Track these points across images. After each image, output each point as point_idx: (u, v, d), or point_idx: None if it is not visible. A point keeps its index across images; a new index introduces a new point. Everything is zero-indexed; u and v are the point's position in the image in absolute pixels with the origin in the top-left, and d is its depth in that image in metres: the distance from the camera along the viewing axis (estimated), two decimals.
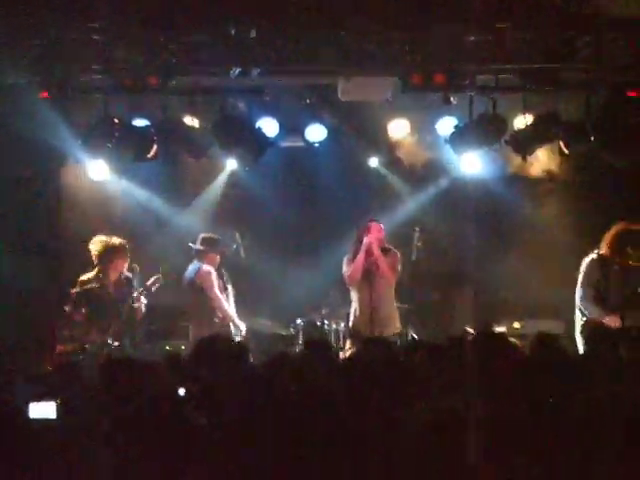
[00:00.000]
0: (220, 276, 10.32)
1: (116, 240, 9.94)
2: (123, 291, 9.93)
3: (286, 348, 10.52)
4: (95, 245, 9.90)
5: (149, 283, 9.94)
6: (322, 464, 4.07)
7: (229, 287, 10.39)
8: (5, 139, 10.20)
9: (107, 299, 9.85)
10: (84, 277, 9.90)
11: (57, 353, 9.94)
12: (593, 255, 9.58)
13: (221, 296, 10.19)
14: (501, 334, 7.02)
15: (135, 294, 9.84)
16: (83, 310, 9.69)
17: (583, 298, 9.53)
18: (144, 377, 5.32)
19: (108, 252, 9.87)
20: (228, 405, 4.62)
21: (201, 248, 10.27)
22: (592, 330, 8.27)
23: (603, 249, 9.54)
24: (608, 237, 9.56)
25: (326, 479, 4.07)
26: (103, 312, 9.75)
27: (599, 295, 9.49)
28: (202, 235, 10.38)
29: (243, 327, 10.29)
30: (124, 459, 3.88)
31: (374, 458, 4.15)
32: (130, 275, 9.99)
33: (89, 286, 9.81)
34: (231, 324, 10.22)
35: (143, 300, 9.91)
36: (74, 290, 9.80)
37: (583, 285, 9.58)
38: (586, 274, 9.57)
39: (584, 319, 9.52)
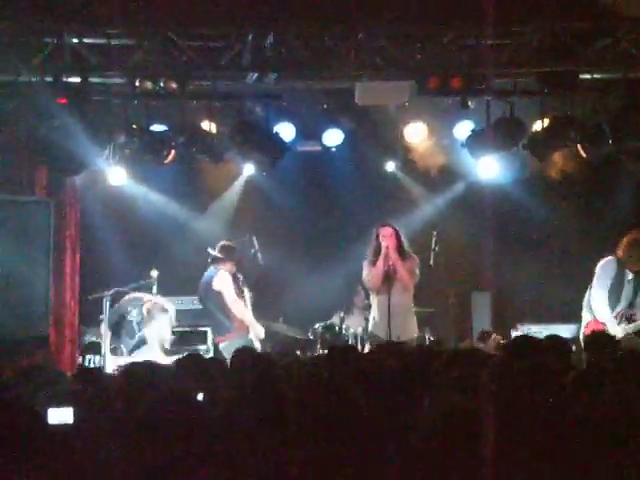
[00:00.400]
0: (236, 281, 10.34)
1: None
2: None
3: (304, 352, 10.51)
4: None
5: None
6: (338, 466, 4.07)
7: (245, 291, 10.41)
8: (25, 142, 10.21)
9: None
10: None
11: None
12: (609, 258, 9.56)
13: (239, 301, 10.22)
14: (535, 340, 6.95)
15: None
16: None
17: (594, 299, 9.52)
18: (162, 381, 5.34)
19: None
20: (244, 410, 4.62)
21: (219, 255, 10.29)
22: (591, 337, 8.20)
23: (619, 253, 9.52)
24: (623, 242, 9.53)
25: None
26: None
27: (610, 298, 9.47)
28: (221, 243, 10.39)
29: (262, 332, 10.30)
30: (139, 464, 3.89)
31: (387, 460, 4.15)
32: None
33: None
34: (250, 329, 10.24)
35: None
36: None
37: (596, 286, 9.56)
38: (600, 276, 9.55)
39: (587, 321, 9.53)
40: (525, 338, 7.14)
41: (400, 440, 4.32)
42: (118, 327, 10.43)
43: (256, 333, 10.24)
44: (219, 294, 10.21)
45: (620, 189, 11.42)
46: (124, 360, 9.76)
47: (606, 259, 9.58)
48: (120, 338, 10.43)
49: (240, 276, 10.42)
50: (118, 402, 5.12)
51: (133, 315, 10.45)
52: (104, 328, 10.17)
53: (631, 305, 9.48)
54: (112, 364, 9.73)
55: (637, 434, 4.18)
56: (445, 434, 4.06)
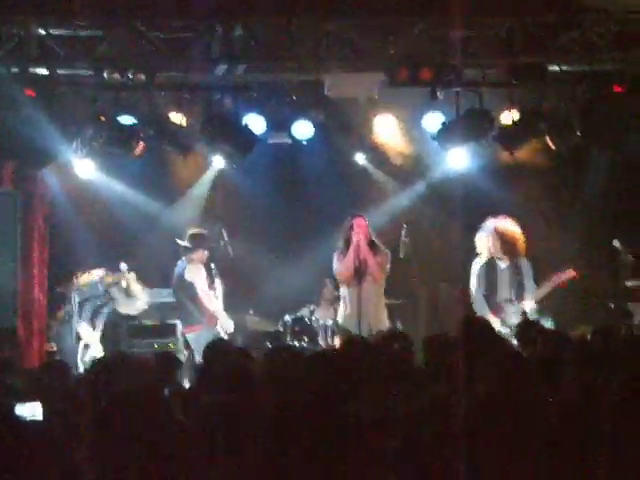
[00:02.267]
0: (208, 271, 10.31)
1: None
2: None
3: (273, 344, 10.49)
4: None
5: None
6: (317, 465, 4.07)
7: (217, 282, 10.38)
8: None
9: None
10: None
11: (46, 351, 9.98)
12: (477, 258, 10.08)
13: (209, 293, 10.19)
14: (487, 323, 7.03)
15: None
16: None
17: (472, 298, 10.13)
18: (131, 374, 5.31)
19: None
20: (215, 406, 4.60)
21: (188, 245, 10.25)
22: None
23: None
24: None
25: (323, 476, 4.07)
26: None
27: (488, 291, 10.03)
28: (189, 232, 10.35)
29: (230, 325, 10.28)
30: (108, 458, 3.86)
31: (368, 454, 4.15)
32: None
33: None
34: (218, 322, 10.21)
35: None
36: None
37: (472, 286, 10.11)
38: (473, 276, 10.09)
39: None
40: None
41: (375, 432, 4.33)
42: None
43: (225, 326, 10.22)
44: (191, 285, 10.17)
45: (587, 178, 11.50)
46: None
47: (477, 258, 10.08)
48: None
49: (213, 265, 10.37)
50: (85, 396, 5.08)
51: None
52: (75, 320, 10.15)
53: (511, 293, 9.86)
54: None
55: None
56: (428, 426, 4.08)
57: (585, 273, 10.25)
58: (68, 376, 6.03)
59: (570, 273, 9.75)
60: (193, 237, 10.29)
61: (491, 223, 9.99)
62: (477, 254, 10.18)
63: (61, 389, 5.43)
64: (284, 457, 4.01)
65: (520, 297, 9.78)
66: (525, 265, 9.92)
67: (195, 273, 10.16)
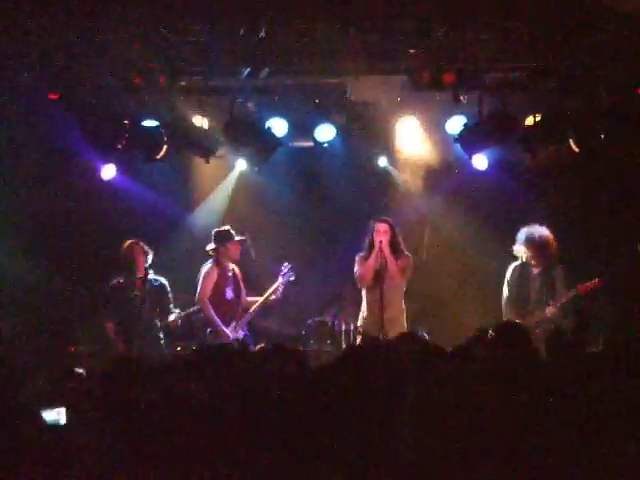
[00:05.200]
0: (224, 273, 10.24)
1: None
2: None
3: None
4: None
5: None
6: (325, 465, 4.07)
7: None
8: (16, 139, 10.22)
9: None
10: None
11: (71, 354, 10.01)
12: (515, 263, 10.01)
13: (206, 301, 10.08)
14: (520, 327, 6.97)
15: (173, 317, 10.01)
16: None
17: (503, 302, 10.07)
18: (149, 380, 5.33)
19: None
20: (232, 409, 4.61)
21: (212, 246, 10.23)
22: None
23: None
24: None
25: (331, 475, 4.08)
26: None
27: (519, 298, 10.00)
28: (213, 231, 10.33)
29: (229, 335, 10.08)
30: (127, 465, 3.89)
31: (375, 456, 4.16)
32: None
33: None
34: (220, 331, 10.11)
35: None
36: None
37: (504, 290, 10.04)
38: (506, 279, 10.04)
39: None
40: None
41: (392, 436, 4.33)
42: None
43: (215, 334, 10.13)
44: (198, 281, 10.19)
45: (610, 181, 11.44)
46: None
47: (513, 263, 10.02)
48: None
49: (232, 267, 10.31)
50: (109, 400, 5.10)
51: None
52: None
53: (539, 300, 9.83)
54: None
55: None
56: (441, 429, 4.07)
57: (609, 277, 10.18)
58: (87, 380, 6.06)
59: (595, 283, 9.68)
60: (216, 235, 10.25)
61: (526, 230, 9.91)
62: (514, 258, 10.11)
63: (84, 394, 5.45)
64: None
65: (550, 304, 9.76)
66: (559, 272, 9.87)
67: (204, 274, 10.12)
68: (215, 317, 10.10)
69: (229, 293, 10.29)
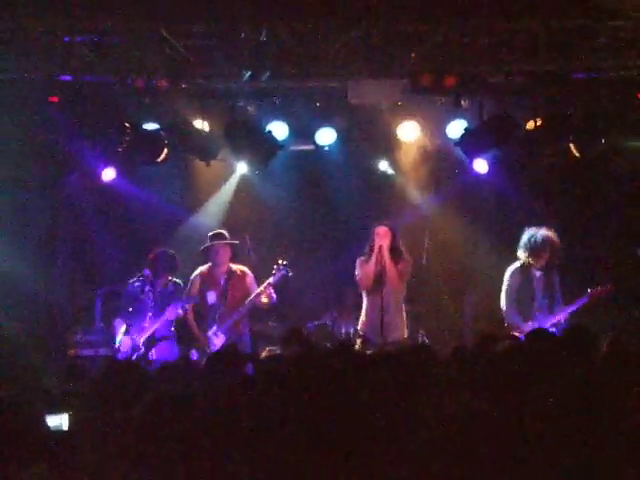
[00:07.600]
0: (211, 276, 10.20)
1: None
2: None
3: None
4: None
5: None
6: (345, 464, 4.06)
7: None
8: (17, 140, 10.21)
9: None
10: None
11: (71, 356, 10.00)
12: (514, 264, 9.85)
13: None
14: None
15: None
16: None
17: (503, 306, 9.83)
18: (148, 380, 5.32)
19: None
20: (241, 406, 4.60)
21: (207, 245, 10.17)
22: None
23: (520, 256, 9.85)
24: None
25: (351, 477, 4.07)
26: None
27: (523, 301, 9.80)
28: (209, 234, 10.29)
29: (207, 340, 9.96)
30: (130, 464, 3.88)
31: (398, 457, 4.14)
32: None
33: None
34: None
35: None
36: None
37: (503, 294, 9.85)
38: (506, 283, 9.85)
39: None
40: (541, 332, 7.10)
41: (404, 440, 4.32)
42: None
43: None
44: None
45: (611, 185, 11.44)
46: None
47: (512, 266, 9.81)
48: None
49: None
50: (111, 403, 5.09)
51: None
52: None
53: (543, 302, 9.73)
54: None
55: None
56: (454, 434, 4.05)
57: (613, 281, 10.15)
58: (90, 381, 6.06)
59: (607, 289, 9.63)
60: (211, 237, 10.21)
61: (531, 231, 9.85)
62: (515, 259, 10.05)
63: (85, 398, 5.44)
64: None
65: (551, 308, 9.70)
66: (556, 276, 9.82)
67: (193, 274, 10.13)
68: (192, 320, 10.09)
69: (211, 297, 10.14)
